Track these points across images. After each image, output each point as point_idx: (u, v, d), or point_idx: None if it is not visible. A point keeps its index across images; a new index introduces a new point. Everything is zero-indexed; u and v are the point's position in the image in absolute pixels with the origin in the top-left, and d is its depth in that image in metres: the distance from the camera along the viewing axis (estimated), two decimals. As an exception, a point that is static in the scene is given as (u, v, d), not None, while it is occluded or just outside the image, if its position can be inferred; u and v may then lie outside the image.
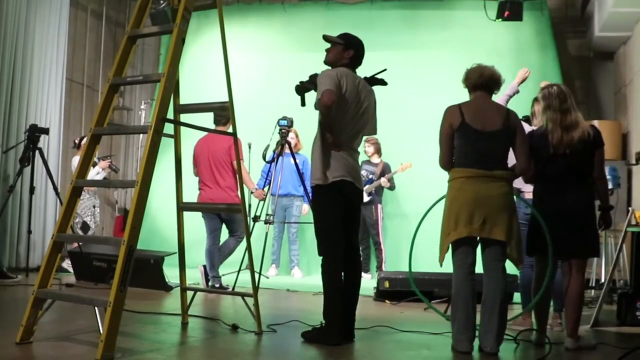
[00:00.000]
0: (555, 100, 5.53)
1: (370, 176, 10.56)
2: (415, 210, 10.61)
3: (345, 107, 5.27)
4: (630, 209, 7.77)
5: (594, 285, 8.92)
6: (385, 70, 5.65)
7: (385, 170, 10.71)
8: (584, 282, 5.59)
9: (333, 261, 5.29)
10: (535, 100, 6.32)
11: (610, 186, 7.66)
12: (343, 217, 5.35)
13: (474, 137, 5.16)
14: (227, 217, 8.36)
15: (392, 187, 10.78)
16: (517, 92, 6.72)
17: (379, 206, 10.77)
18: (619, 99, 11.18)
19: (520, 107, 6.29)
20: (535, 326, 5.81)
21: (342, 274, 5.34)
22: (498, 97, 6.26)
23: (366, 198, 10.18)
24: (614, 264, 7.26)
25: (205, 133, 7.77)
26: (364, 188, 10.14)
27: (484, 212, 5.04)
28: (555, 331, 6.24)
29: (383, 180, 10.52)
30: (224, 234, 8.56)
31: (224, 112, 7.89)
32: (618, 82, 11.30)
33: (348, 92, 5.26)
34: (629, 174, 10.10)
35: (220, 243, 8.50)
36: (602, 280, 8.76)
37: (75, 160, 10.16)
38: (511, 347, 5.40)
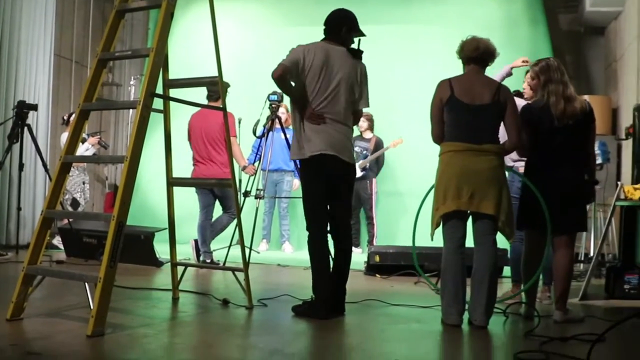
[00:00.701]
0: (556, 72, 5.56)
1: (365, 152, 10.52)
2: (407, 185, 10.68)
3: (313, 80, 5.27)
4: (619, 183, 7.80)
5: (582, 259, 8.96)
6: (362, 36, 5.58)
7: (379, 145, 10.68)
8: (573, 256, 5.64)
9: (317, 236, 5.32)
10: (527, 73, 6.33)
11: (600, 161, 7.69)
12: (326, 191, 5.35)
13: (462, 111, 5.17)
14: (220, 193, 8.36)
15: (380, 165, 10.80)
16: (510, 74, 6.67)
17: (374, 181, 10.72)
18: (610, 74, 11.18)
19: (511, 81, 6.31)
20: (524, 299, 5.84)
21: (335, 248, 5.36)
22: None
23: (360, 173, 10.17)
24: (602, 238, 7.29)
25: (198, 108, 7.76)
26: (358, 163, 10.12)
27: (472, 186, 5.05)
28: (544, 304, 6.27)
29: (364, 161, 10.45)
30: (218, 209, 8.57)
31: (216, 88, 7.83)
32: (609, 57, 11.30)
33: (314, 65, 5.26)
34: (618, 148, 10.13)
35: (214, 219, 8.50)
36: (591, 254, 8.80)
37: (65, 136, 10.12)
38: (500, 320, 5.43)
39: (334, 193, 5.39)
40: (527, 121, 5.38)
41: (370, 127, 10.77)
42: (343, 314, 5.39)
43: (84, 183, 10.51)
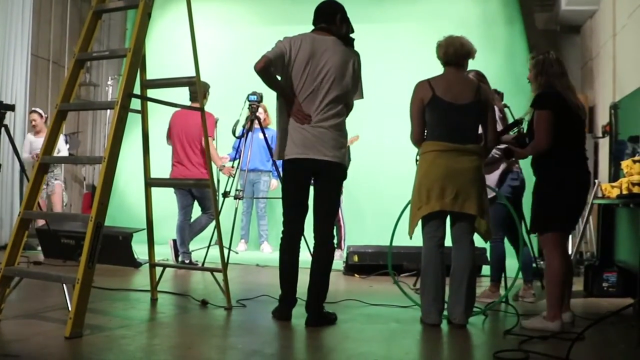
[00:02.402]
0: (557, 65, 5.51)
1: None
2: (378, 185, 10.62)
3: (298, 73, 5.08)
4: (596, 181, 7.85)
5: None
6: (351, 33, 5.46)
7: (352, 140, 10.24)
8: None
9: (283, 236, 5.25)
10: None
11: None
12: (302, 194, 5.24)
13: (445, 110, 5.13)
14: (198, 194, 8.32)
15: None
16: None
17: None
18: (586, 73, 11.25)
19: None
20: (501, 298, 5.88)
21: (313, 250, 5.27)
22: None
23: None
24: (580, 236, 7.33)
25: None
26: None
27: (456, 186, 5.04)
28: (528, 302, 6.31)
29: None
30: (197, 210, 8.54)
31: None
32: (584, 56, 11.36)
33: (299, 58, 5.06)
34: (595, 147, 10.18)
35: (193, 219, 8.48)
36: (570, 252, 8.84)
37: (29, 137, 10.09)
38: (480, 319, 5.45)
39: (316, 194, 5.26)
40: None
41: None
42: (312, 324, 5.05)
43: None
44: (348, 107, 5.32)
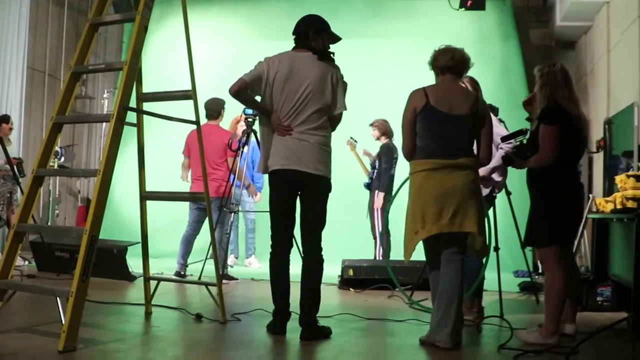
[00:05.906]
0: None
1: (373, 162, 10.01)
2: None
3: (278, 91, 5.15)
4: (590, 196, 7.87)
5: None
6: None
7: (382, 152, 9.80)
8: None
9: (272, 249, 5.26)
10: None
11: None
12: (289, 206, 5.26)
13: (438, 121, 4.89)
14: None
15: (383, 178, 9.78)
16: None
17: (377, 194, 9.64)
18: (580, 88, 11.26)
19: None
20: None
21: (302, 263, 5.26)
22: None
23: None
24: (575, 251, 7.31)
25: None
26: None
27: (453, 206, 4.80)
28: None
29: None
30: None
31: (215, 106, 8.37)
32: (579, 71, 11.40)
33: (279, 77, 5.14)
34: (589, 161, 10.21)
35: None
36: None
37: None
38: (474, 334, 5.43)
39: (302, 208, 5.29)
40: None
41: (384, 134, 9.85)
42: (306, 338, 5.06)
43: (10, 194, 9.67)
44: (333, 121, 5.34)
